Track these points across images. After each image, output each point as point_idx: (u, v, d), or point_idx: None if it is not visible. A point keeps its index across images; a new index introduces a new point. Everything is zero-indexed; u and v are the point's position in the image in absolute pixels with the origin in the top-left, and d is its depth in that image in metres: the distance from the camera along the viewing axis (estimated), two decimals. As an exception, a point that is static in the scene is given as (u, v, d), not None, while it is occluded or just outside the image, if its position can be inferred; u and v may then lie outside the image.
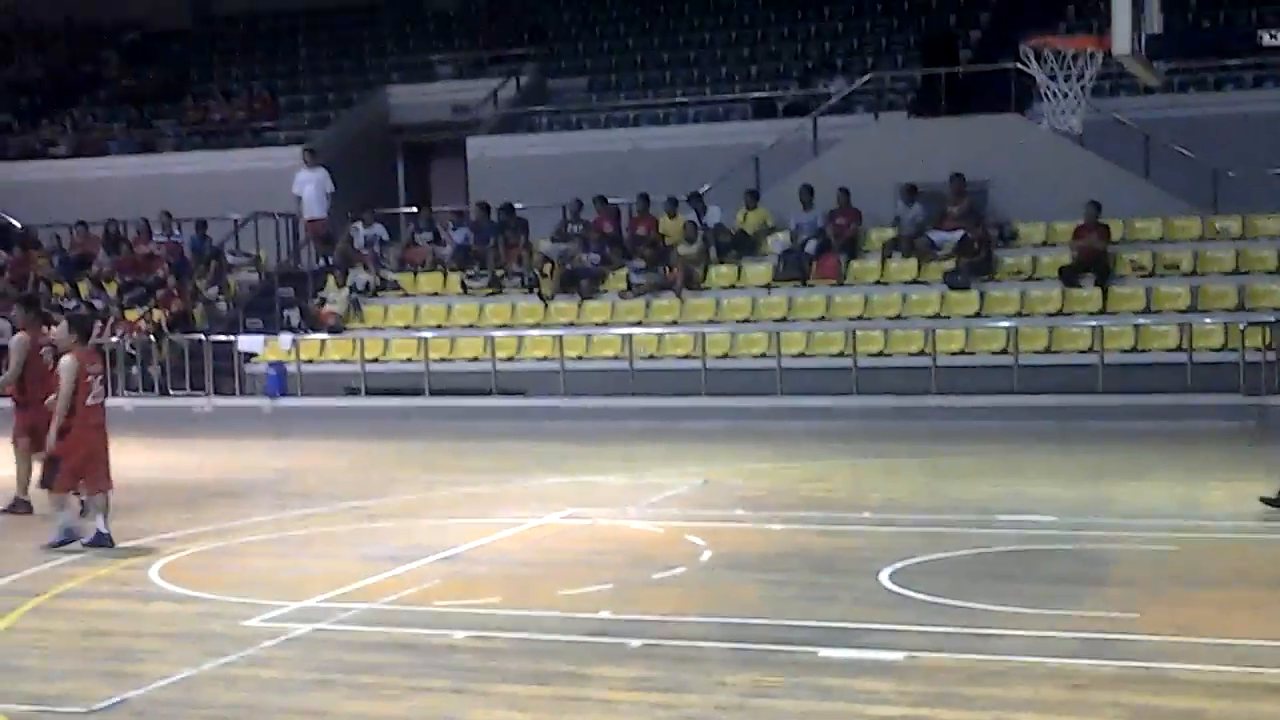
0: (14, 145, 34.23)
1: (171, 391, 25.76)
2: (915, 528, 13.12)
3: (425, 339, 24.85)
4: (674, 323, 24.44)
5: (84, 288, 28.29)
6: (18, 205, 32.00)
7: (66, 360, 12.96)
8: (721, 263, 25.49)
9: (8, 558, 12.64)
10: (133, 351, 26.22)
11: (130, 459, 19.82)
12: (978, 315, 23.06)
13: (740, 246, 25.60)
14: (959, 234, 24.12)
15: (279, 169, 29.85)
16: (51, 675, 8.97)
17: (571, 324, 25.01)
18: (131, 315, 27.11)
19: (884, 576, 10.99)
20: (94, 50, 37.76)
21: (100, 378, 13.21)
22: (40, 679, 8.89)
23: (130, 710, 8.26)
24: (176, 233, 29.66)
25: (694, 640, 9.37)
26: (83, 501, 13.15)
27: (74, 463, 12.84)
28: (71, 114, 35.13)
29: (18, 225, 31.70)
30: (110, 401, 24.95)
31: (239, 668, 9.03)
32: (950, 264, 23.88)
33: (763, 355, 23.17)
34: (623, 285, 25.41)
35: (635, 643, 9.30)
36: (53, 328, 14.97)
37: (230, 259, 28.98)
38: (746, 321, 24.14)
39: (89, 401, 12.87)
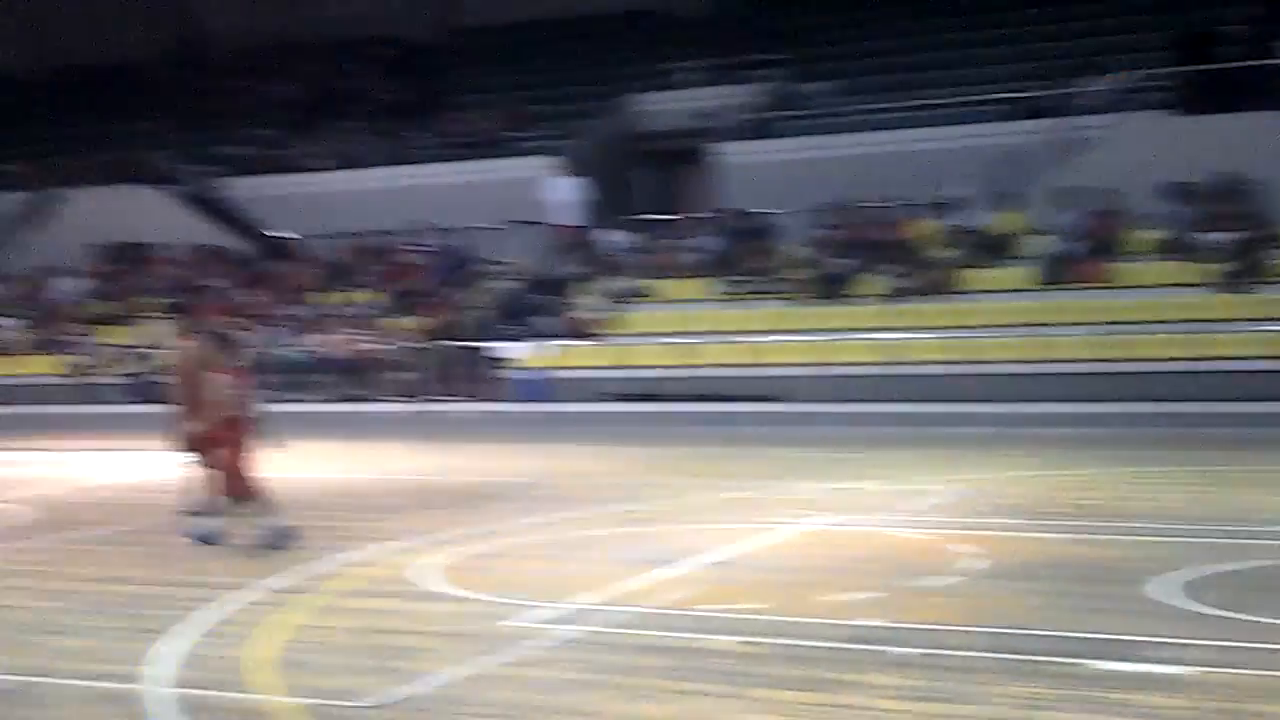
0: (278, 160, 35.34)
1: (433, 397, 26.36)
2: (1188, 538, 12.65)
3: (680, 344, 24.95)
4: (929, 327, 24.09)
5: (347, 296, 29.13)
6: (283, 218, 33.08)
7: (211, 375, 13.47)
8: (978, 266, 25.03)
9: (287, 557, 13.04)
10: (395, 359, 26.88)
11: (394, 463, 20.44)
12: (1249, 319, 22.21)
13: (997, 249, 25.11)
14: (1228, 235, 23.27)
15: (530, 178, 30.33)
16: (333, 671, 9.18)
17: (826, 329, 24.85)
18: (392, 324, 27.79)
19: (1157, 587, 10.63)
20: (352, 66, 38.80)
21: (247, 390, 13.72)
22: (323, 674, 9.11)
23: (409, 706, 8.42)
24: (435, 242, 30.32)
25: (962, 650, 9.16)
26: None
27: (239, 470, 13.47)
28: (333, 128, 36.13)
29: (285, 237, 32.74)
30: (373, 407, 26.09)
31: (508, 667, 9.14)
32: (1219, 266, 23.05)
33: (1022, 360, 22.70)
34: (877, 290, 25.14)
35: (902, 651, 9.15)
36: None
37: (487, 267, 29.48)
38: (1004, 326, 23.65)
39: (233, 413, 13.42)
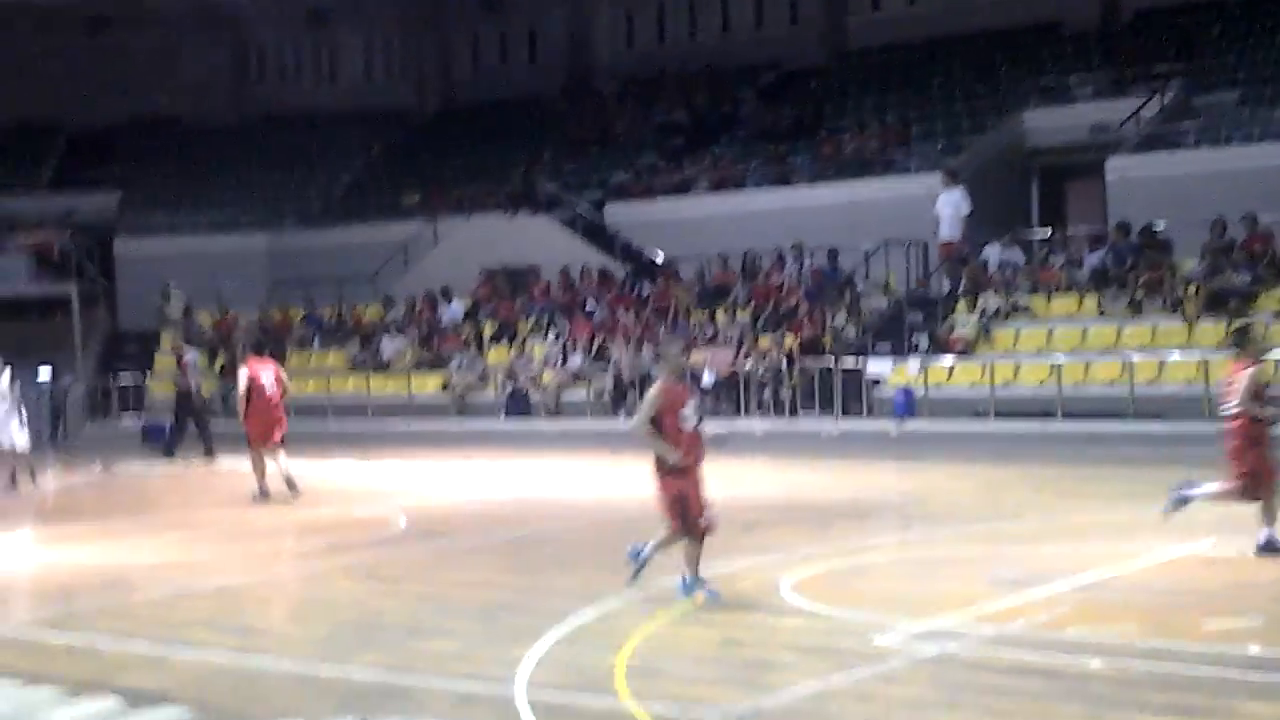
0: (660, 184, 35.97)
1: (801, 413, 26.29)
2: None
3: (1059, 363, 24.20)
4: (1330, 344, 22.69)
5: (720, 316, 29.35)
6: (661, 239, 33.63)
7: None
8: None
9: (651, 569, 13.13)
10: (765, 376, 26.93)
11: (761, 478, 20.46)
12: None
13: None
14: None
15: (910, 197, 30.02)
16: (691, 680, 9.19)
17: (1218, 346, 23.68)
18: (764, 342, 27.86)
19: None
20: (734, 91, 39.21)
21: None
22: (680, 683, 9.12)
23: (764, 719, 8.33)
24: (809, 262, 30.30)
25: (1358, 682, 8.54)
26: None
27: None
28: (712, 152, 36.57)
29: (660, 258, 33.27)
30: (741, 424, 26.17)
31: (869, 684, 8.96)
32: None
33: None
34: (1276, 306, 23.84)
35: (1281, 680, 8.58)
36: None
37: (860, 286, 29.30)
38: None
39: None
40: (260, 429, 19.49)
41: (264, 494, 19.33)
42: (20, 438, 21.91)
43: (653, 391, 11.68)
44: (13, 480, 21.77)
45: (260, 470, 19.50)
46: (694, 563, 11.69)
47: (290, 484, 19.14)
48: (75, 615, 12.12)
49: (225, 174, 43.49)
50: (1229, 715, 8.01)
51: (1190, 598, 11.12)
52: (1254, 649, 9.37)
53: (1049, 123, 32.33)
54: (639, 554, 11.83)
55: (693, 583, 11.63)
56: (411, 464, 24.07)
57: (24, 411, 22.28)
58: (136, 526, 17.61)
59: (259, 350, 21.13)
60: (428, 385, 31.68)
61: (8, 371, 22.04)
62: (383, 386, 32.22)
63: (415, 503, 18.73)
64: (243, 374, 19.84)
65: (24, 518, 18.43)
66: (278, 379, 19.77)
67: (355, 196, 42.70)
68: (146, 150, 44.10)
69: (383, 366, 32.69)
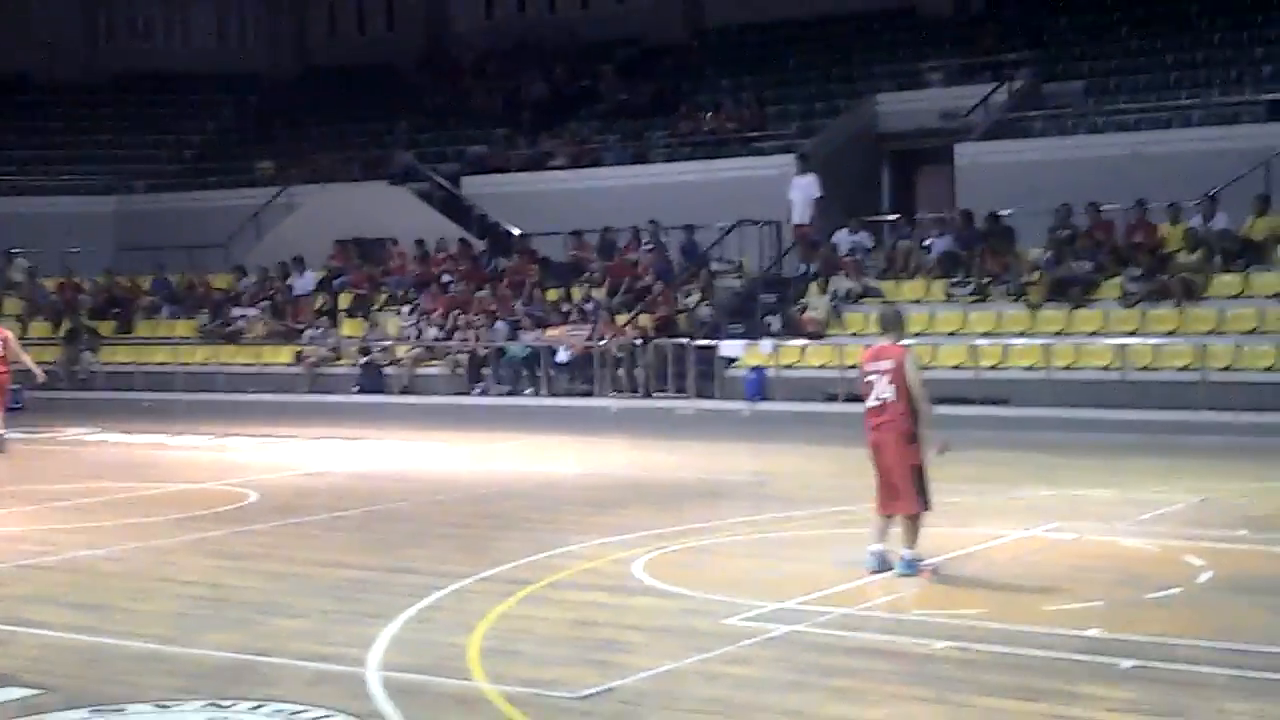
0: (516, 159, 35.83)
1: (655, 394, 26.41)
2: None
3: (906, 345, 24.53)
4: (1172, 333, 23.35)
5: (576, 293, 29.36)
6: (517, 215, 33.47)
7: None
8: (1226, 271, 24.18)
9: (506, 547, 13.17)
10: (620, 355, 27.01)
11: (615, 458, 20.56)
12: None
13: (1247, 255, 24.21)
14: None
15: (765, 178, 30.21)
16: (543, 661, 9.21)
17: (1060, 333, 24.24)
18: (619, 320, 27.93)
19: None
20: (592, 66, 39.15)
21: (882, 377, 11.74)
22: (533, 664, 9.15)
23: (616, 699, 8.39)
24: (664, 240, 30.41)
25: (1191, 664, 8.82)
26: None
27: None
28: (569, 128, 36.52)
29: (516, 233, 33.18)
30: (596, 402, 26.26)
31: (719, 664, 9.06)
32: None
33: (1270, 369, 21.87)
34: (1116, 294, 24.45)
35: (1127, 663, 8.82)
36: None
37: (715, 266, 29.47)
38: (1253, 333, 22.78)
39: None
40: None
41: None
42: None
43: (912, 362, 11.84)
44: None
45: None
46: (881, 533, 11.69)
47: None
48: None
49: (73, 135, 42.45)
50: (1070, 697, 8.22)
51: (1036, 581, 11.38)
52: (1093, 631, 9.63)
53: (901, 107, 32.72)
54: (910, 565, 11.59)
55: (913, 559, 11.59)
56: (262, 438, 23.79)
57: None
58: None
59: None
60: (280, 357, 31.28)
61: None
62: (234, 357, 31.78)
63: (266, 477, 18.53)
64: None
65: None
66: (6, 344, 22.35)
67: (207, 161, 41.95)
68: (-9, 109, 42.92)
69: (234, 337, 32.23)
